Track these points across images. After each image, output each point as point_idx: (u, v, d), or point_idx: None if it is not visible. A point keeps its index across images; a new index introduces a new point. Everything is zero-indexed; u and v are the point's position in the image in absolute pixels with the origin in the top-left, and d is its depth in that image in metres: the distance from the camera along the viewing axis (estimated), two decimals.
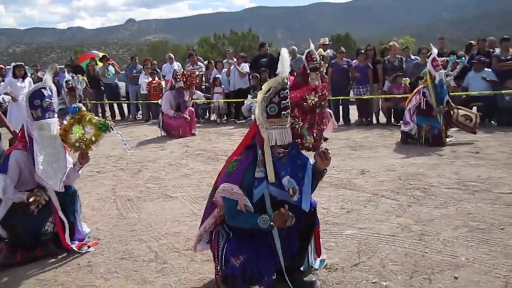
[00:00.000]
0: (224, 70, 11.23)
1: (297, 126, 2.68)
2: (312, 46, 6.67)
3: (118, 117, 12.65)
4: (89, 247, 3.61)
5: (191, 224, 4.02)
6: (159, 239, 3.74)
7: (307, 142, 2.75)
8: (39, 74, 13.27)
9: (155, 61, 13.22)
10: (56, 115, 3.43)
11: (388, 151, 6.71)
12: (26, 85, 8.36)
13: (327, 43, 10.50)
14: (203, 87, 11.53)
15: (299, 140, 2.72)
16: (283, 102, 2.51)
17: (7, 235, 3.44)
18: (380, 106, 9.50)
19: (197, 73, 9.75)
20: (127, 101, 12.83)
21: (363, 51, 9.69)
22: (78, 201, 3.71)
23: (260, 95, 2.57)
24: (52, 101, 3.34)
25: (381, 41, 47.44)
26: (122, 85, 13.09)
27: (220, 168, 5.86)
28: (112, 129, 3.43)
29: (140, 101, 12.00)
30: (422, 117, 6.90)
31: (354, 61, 9.73)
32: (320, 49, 7.05)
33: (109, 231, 4.01)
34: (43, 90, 3.32)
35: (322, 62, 6.72)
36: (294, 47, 11.67)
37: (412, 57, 9.74)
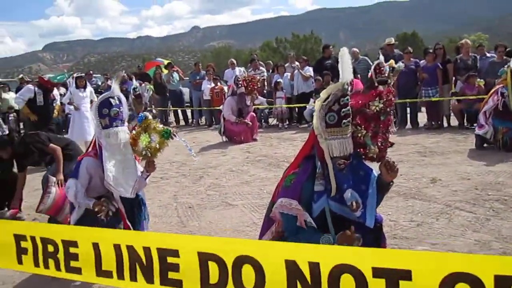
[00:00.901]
0: (287, 74, 11.09)
1: (359, 135, 2.49)
2: (381, 58, 6.35)
3: (182, 123, 12.91)
4: None
5: (251, 234, 3.92)
6: None
7: (371, 152, 2.54)
8: (109, 82, 13.87)
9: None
10: (125, 123, 3.49)
11: (462, 157, 6.22)
12: (88, 95, 8.75)
13: (392, 43, 10.06)
14: (265, 91, 11.48)
15: (361, 149, 2.53)
16: (343, 110, 2.33)
17: None
18: (451, 109, 8.92)
19: (258, 78, 9.69)
20: (190, 107, 13.05)
21: (431, 51, 9.15)
22: (146, 209, 3.76)
23: (318, 102, 2.40)
24: (120, 110, 3.39)
25: (450, 38, 45.17)
26: (186, 91, 13.36)
27: (280, 174, 5.74)
28: (175, 136, 3.42)
29: (203, 108, 12.16)
30: (499, 119, 6.33)
31: (422, 61, 9.22)
32: (392, 61, 6.73)
33: None
34: (110, 99, 3.38)
35: (391, 75, 6.41)
36: (355, 48, 11.32)
37: (488, 54, 9.07)
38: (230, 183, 5.76)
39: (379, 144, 2.62)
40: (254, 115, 9.32)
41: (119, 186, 3.36)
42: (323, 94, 2.37)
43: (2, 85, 13.12)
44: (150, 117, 3.48)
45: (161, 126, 3.43)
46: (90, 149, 3.65)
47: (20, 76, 15.21)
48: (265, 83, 11.66)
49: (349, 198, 2.36)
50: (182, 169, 6.83)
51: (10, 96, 12.71)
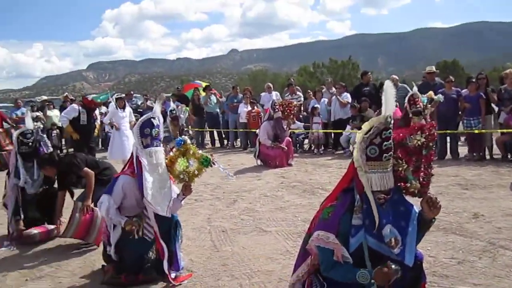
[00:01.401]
0: (324, 99, 11.07)
1: (400, 169, 2.43)
2: (415, 89, 6.24)
3: (217, 144, 13.03)
4: (183, 280, 3.62)
5: (284, 263, 3.86)
6: (251, 277, 3.63)
7: (412, 187, 2.47)
8: (148, 102, 14.25)
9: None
10: (161, 143, 3.57)
11: (505, 191, 5.96)
12: (127, 115, 9.00)
13: (433, 71, 9.87)
14: (301, 116, 11.47)
15: (402, 184, 2.46)
16: (385, 143, 2.28)
17: (116, 258, 3.62)
18: (494, 140, 8.61)
19: (295, 103, 9.71)
20: (226, 129, 13.16)
21: (474, 80, 8.93)
22: (180, 231, 3.79)
23: (359, 134, 2.37)
24: (160, 130, 3.48)
25: (494, 67, 44.02)
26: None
27: (314, 202, 5.69)
28: (214, 164, 3.46)
29: (239, 130, 12.25)
30: None
31: (464, 91, 9.00)
32: (431, 92, 6.59)
33: (202, 263, 4.00)
34: (152, 119, 3.47)
35: (429, 106, 6.25)
36: (395, 76, 11.17)
37: None
38: (264, 209, 5.73)
39: (421, 179, 2.55)
40: (290, 140, 9.31)
41: (157, 204, 3.42)
42: (365, 127, 2.33)
43: (47, 103, 13.66)
44: (188, 141, 3.54)
45: (200, 152, 3.47)
46: (126, 167, 3.73)
47: (64, 94, 15.82)
48: (302, 108, 11.66)
49: (388, 234, 2.30)
50: (216, 191, 6.86)
51: (54, 113, 13.23)
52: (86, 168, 4.63)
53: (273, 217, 5.34)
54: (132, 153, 3.61)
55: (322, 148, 10.70)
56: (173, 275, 3.59)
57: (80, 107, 8.03)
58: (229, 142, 12.99)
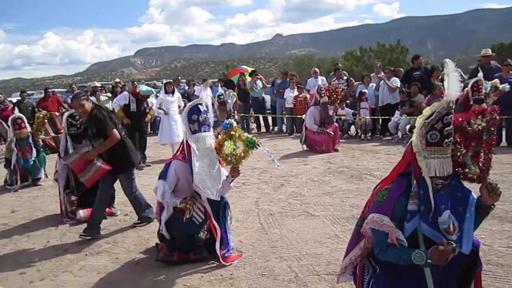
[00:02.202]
0: (372, 84, 10.85)
1: (458, 154, 2.37)
2: (480, 75, 5.97)
3: (263, 130, 13.08)
4: (233, 260, 3.71)
5: (332, 247, 3.88)
6: (299, 259, 3.68)
7: (471, 173, 2.41)
8: (194, 88, 14.46)
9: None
10: (211, 129, 3.64)
11: None
12: (175, 99, 9.15)
13: (488, 54, 9.42)
14: (348, 101, 11.30)
15: (460, 169, 2.40)
16: (446, 128, 2.23)
17: (168, 236, 3.78)
18: None
19: (341, 87, 9.57)
20: (272, 114, 13.19)
21: None
22: (229, 212, 3.89)
23: (419, 119, 2.31)
24: (208, 116, 3.55)
25: None
26: (267, 98, 13.52)
27: (362, 187, 5.64)
28: (259, 146, 3.50)
29: (285, 116, 12.24)
30: None
31: None
32: (496, 80, 6.30)
33: (251, 245, 4.08)
34: (199, 105, 3.54)
35: (493, 94, 5.98)
36: (448, 60, 10.74)
37: None
38: (312, 193, 5.74)
39: (481, 165, 2.47)
40: (337, 125, 9.21)
41: (206, 188, 3.51)
42: (426, 111, 2.27)
43: (100, 88, 14.15)
44: (235, 124, 3.59)
45: (245, 134, 3.52)
46: (178, 152, 3.85)
47: (116, 80, 16.32)
48: (349, 92, 11.49)
49: (446, 220, 2.25)
50: (263, 176, 6.92)
51: (105, 98, 13.70)
52: (115, 130, 4.55)
53: (321, 201, 5.34)
54: (183, 139, 3.72)
55: (370, 134, 10.51)
56: (223, 254, 3.69)
57: (130, 96, 8.25)
58: (275, 127, 13.01)
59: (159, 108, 8.93)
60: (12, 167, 7.30)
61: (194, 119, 3.50)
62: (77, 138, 5.13)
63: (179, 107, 9.16)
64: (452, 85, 2.25)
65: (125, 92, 8.61)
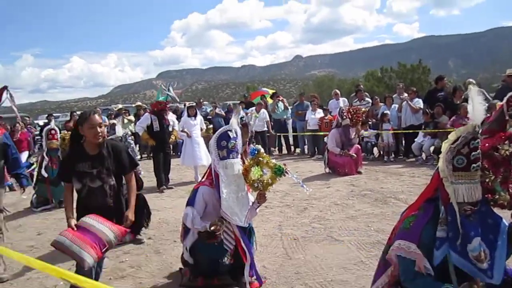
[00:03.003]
0: (394, 105, 10.77)
1: (487, 180, 2.33)
2: None
3: (284, 151, 13.06)
4: (257, 286, 3.67)
5: (358, 273, 3.81)
6: (325, 286, 3.62)
7: (501, 199, 2.35)
8: (217, 110, 14.61)
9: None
10: (239, 155, 3.64)
11: None
12: (198, 122, 9.27)
13: None
14: (370, 122, 11.23)
15: (490, 196, 2.35)
16: (473, 153, 2.19)
17: (192, 261, 3.77)
18: None
19: (363, 109, 9.51)
20: (294, 134, 13.14)
21: None
22: (254, 237, 3.87)
23: (445, 144, 2.29)
24: (236, 142, 3.56)
25: None
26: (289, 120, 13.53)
27: (387, 211, 5.54)
28: (287, 173, 3.49)
29: (306, 133, 12.22)
30: None
31: None
32: None
33: (275, 270, 4.04)
34: (229, 132, 3.56)
35: None
36: (471, 79, 10.62)
37: None
38: (335, 217, 5.67)
39: (511, 191, 2.42)
40: (359, 147, 9.14)
41: (234, 215, 3.50)
42: (452, 136, 2.25)
43: (124, 111, 14.44)
44: (262, 150, 3.59)
45: (273, 161, 3.51)
46: (205, 177, 3.87)
47: (137, 103, 16.64)
48: (370, 113, 11.42)
49: (477, 247, 2.19)
50: (286, 199, 6.89)
51: (129, 120, 13.96)
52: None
53: (345, 226, 5.27)
54: (210, 164, 3.74)
55: (393, 155, 10.39)
56: (248, 280, 3.66)
57: (151, 115, 8.38)
58: (297, 149, 12.98)
59: (182, 131, 9.03)
60: (41, 174, 7.52)
61: (223, 146, 3.52)
62: None
63: (201, 129, 9.26)
64: (477, 109, 2.23)
65: (146, 114, 8.76)
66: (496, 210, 2.39)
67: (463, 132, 2.21)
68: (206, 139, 14.02)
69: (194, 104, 10.37)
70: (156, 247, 5.00)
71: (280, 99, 12.97)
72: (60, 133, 9.46)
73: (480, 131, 2.22)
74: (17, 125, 11.16)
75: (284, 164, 3.52)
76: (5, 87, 3.91)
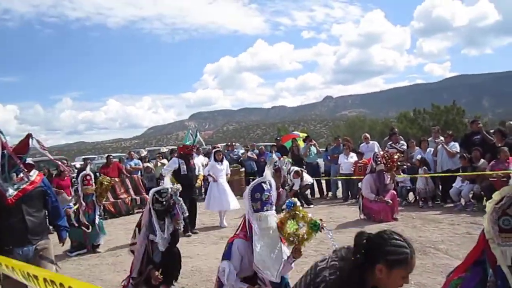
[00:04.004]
0: (430, 149, 10.55)
1: None
2: None
3: (317, 195, 12.91)
4: None
5: None
6: None
7: None
8: (249, 153, 14.70)
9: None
10: (274, 207, 3.60)
11: None
12: (224, 167, 9.40)
13: None
14: (405, 166, 11.00)
15: None
16: None
17: None
18: None
19: (397, 156, 9.33)
20: (327, 178, 13.01)
21: None
22: None
23: (489, 204, 2.21)
24: (271, 194, 3.53)
25: None
26: (321, 163, 13.46)
27: (427, 263, 5.32)
28: (323, 229, 3.42)
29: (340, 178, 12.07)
30: None
31: None
32: None
33: None
34: (263, 184, 3.55)
35: None
36: (511, 122, 10.35)
37: None
38: None
39: None
40: (395, 193, 8.93)
41: (266, 269, 3.43)
42: (496, 196, 2.17)
43: (158, 154, 14.72)
44: (298, 204, 3.55)
45: (309, 216, 3.46)
46: (239, 230, 3.82)
47: (171, 148, 17.00)
48: (405, 157, 11.21)
49: None
50: (320, 247, 6.72)
51: (162, 164, 14.20)
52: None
53: None
54: (244, 216, 3.71)
55: (431, 201, 10.07)
56: None
57: (178, 159, 8.50)
58: (330, 193, 12.81)
59: (209, 175, 9.14)
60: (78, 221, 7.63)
61: (257, 198, 3.49)
62: (160, 215, 5.15)
63: (226, 175, 9.35)
64: None
65: (174, 158, 8.90)
66: None
67: (508, 192, 2.13)
68: (238, 182, 14.17)
69: (221, 149, 10.51)
70: None
71: (313, 143, 12.97)
72: (96, 177, 9.71)
73: None
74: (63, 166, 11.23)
75: (321, 220, 3.45)
76: (29, 135, 4.01)
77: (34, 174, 3.97)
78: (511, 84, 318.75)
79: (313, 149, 12.72)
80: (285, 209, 3.62)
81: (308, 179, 11.13)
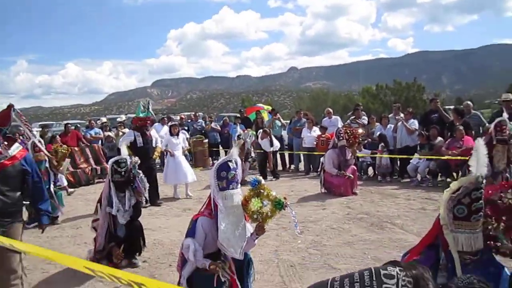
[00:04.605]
0: (390, 125, 10.82)
1: (490, 227, 2.34)
2: (505, 115, 5.96)
3: (280, 168, 13.06)
4: None
5: None
6: None
7: (503, 247, 2.36)
8: (213, 124, 14.62)
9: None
10: (239, 185, 3.60)
11: None
12: (180, 141, 9.48)
13: (510, 99, 9.35)
14: (366, 142, 11.25)
15: (492, 243, 2.35)
16: (474, 204, 2.20)
17: None
18: None
19: (360, 131, 9.53)
20: (290, 152, 13.14)
21: None
22: (253, 269, 3.83)
23: (446, 193, 2.30)
24: (236, 173, 3.53)
25: None
26: (285, 136, 13.54)
27: (384, 237, 5.53)
28: (287, 207, 3.46)
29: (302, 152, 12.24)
30: None
31: None
32: None
33: None
34: (229, 162, 3.53)
35: None
36: (469, 102, 10.68)
37: None
38: (332, 243, 5.65)
39: None
40: (355, 168, 9.16)
41: (230, 246, 3.46)
42: (453, 185, 2.26)
43: (119, 123, 14.38)
44: (263, 182, 3.57)
45: (273, 194, 3.49)
46: (204, 208, 3.82)
47: (122, 118, 16.58)
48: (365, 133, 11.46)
49: None
50: (282, 221, 6.82)
51: (123, 133, 13.92)
52: None
53: (342, 252, 5.25)
54: (209, 194, 3.70)
55: (389, 176, 10.39)
56: None
57: (134, 132, 8.39)
58: (292, 166, 12.98)
59: (165, 150, 9.27)
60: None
61: (223, 176, 3.48)
62: (120, 187, 5.07)
63: (183, 148, 9.60)
64: (480, 162, 2.24)
65: (130, 130, 8.79)
66: (499, 258, 2.40)
67: (465, 183, 2.22)
68: (201, 153, 14.13)
69: (176, 123, 10.47)
70: (151, 272, 4.95)
71: (278, 117, 13.00)
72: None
73: (483, 181, 2.23)
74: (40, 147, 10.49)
75: (285, 198, 3.49)
76: (10, 106, 3.81)
77: (15, 149, 3.70)
78: (470, 62, 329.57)
79: (278, 122, 12.78)
80: (249, 185, 3.63)
81: (276, 143, 11.25)
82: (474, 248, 2.21)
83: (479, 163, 2.24)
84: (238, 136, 10.42)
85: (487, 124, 8.82)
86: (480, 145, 2.30)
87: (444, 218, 2.28)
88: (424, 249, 2.47)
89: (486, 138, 6.29)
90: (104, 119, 17.67)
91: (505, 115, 6.06)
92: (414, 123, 10.40)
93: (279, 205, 3.43)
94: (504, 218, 2.40)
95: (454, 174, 9.24)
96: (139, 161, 5.24)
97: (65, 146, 8.94)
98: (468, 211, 2.20)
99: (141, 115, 8.59)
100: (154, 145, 8.70)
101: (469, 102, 10.41)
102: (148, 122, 8.72)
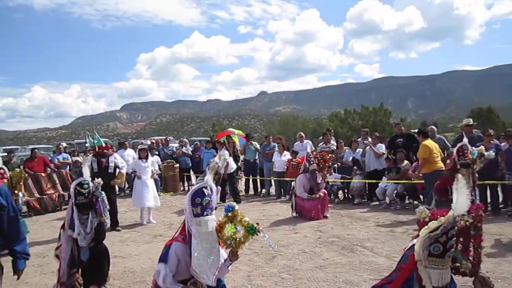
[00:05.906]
0: (359, 149, 11.09)
1: None
2: (465, 140, 6.24)
3: (251, 192, 13.10)
4: None
5: None
6: None
7: (463, 267, 2.48)
8: (184, 149, 14.56)
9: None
10: (214, 212, 3.63)
11: None
12: (149, 165, 9.55)
13: (471, 124, 9.75)
14: (336, 166, 11.47)
15: (452, 264, 2.47)
16: (449, 242, 2.30)
17: None
18: None
19: (329, 155, 9.71)
20: (261, 177, 13.20)
21: None
22: None
23: (424, 231, 2.37)
24: (211, 199, 3.56)
25: None
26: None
27: (354, 260, 5.61)
28: (260, 233, 3.51)
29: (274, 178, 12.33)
30: None
31: (503, 144, 8.86)
32: (482, 147, 6.58)
33: None
34: (204, 189, 3.56)
35: (479, 161, 6.21)
36: (433, 127, 11.07)
37: None
38: (304, 267, 5.69)
39: (471, 259, 2.56)
40: (325, 191, 9.30)
41: (203, 273, 3.47)
42: (433, 225, 2.32)
43: (88, 149, 14.13)
44: (237, 208, 3.61)
45: (246, 219, 3.53)
46: (178, 233, 3.82)
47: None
48: (335, 156, 11.67)
49: None
50: (254, 246, 6.84)
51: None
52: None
53: (314, 276, 5.30)
54: (184, 220, 3.71)
55: (359, 199, 10.60)
56: None
57: (92, 157, 8.51)
58: (263, 190, 13.03)
59: (132, 172, 9.45)
60: None
61: (198, 203, 3.50)
62: (83, 209, 4.97)
63: (152, 172, 9.66)
64: (461, 201, 2.33)
65: (89, 156, 8.82)
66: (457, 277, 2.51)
67: (444, 222, 2.29)
68: (172, 178, 14.02)
69: (146, 147, 10.51)
70: None
71: (253, 143, 13.08)
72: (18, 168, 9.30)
73: (459, 220, 2.34)
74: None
75: (257, 223, 3.54)
76: None
77: None
78: (433, 87, 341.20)
79: (251, 147, 12.87)
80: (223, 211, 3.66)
81: (232, 165, 11.35)
82: (443, 283, 2.32)
83: (458, 203, 2.33)
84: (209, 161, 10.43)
85: (451, 148, 9.15)
86: (461, 184, 2.40)
87: (420, 254, 2.34)
88: (401, 285, 2.54)
89: (449, 164, 6.58)
90: (64, 144, 17.27)
91: (465, 140, 6.32)
92: (382, 147, 10.70)
93: (252, 230, 3.47)
94: (461, 239, 2.52)
95: (421, 196, 9.53)
96: (101, 182, 5.17)
97: (16, 171, 8.84)
98: (444, 248, 2.29)
99: (87, 144, 8.80)
100: (112, 170, 8.72)
101: (433, 127, 10.79)
102: (99, 150, 8.76)
